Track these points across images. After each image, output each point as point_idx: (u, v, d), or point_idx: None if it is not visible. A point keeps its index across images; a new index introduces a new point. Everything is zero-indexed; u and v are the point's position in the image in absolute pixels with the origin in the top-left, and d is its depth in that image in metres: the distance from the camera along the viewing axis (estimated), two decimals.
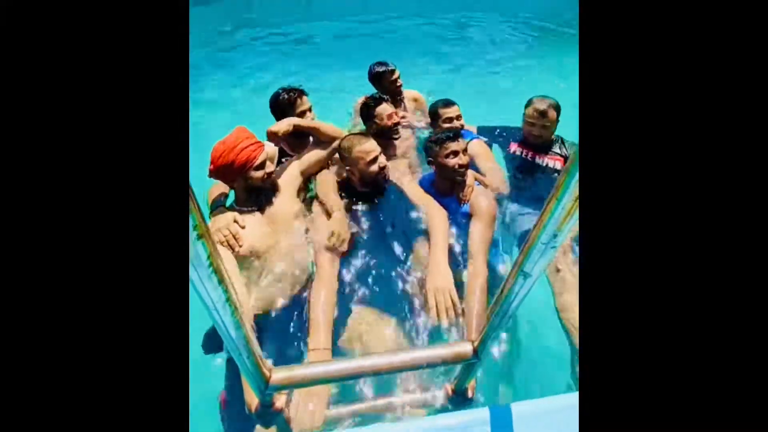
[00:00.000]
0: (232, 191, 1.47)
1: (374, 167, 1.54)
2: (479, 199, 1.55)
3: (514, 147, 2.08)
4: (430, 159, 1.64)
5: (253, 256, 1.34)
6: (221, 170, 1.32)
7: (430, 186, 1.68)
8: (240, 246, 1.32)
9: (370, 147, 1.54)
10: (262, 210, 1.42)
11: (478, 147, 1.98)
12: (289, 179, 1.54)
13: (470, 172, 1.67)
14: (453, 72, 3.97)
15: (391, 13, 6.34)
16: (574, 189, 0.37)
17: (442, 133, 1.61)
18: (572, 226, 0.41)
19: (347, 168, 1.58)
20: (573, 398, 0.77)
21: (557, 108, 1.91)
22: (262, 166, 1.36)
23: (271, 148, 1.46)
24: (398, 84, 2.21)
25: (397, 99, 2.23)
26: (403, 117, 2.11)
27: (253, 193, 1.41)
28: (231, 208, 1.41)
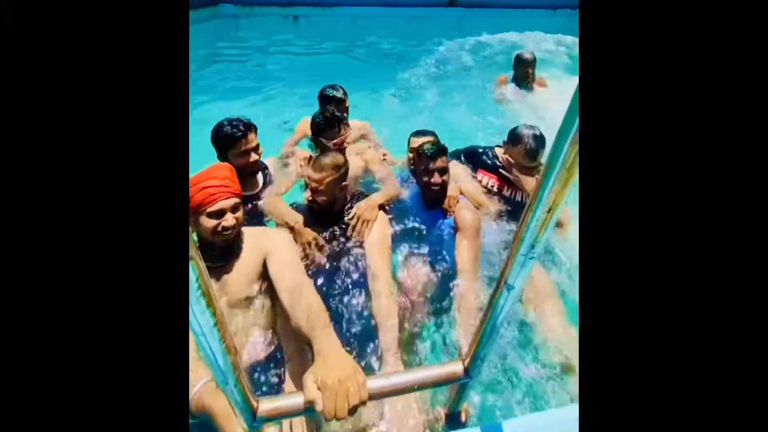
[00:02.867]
0: None
1: (306, 193, 1.49)
2: (463, 212, 1.54)
3: (482, 175, 1.91)
4: (411, 168, 1.66)
5: None
6: None
7: (417, 197, 1.70)
8: None
9: (308, 173, 1.47)
10: (216, 271, 1.20)
11: (457, 168, 1.93)
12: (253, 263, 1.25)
13: (456, 186, 1.68)
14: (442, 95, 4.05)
15: (382, 34, 6.59)
16: (546, 200, 0.40)
17: (426, 147, 1.59)
18: (547, 237, 0.43)
19: None
20: (572, 412, 0.76)
21: (543, 143, 1.70)
22: (217, 215, 1.16)
23: (234, 202, 1.19)
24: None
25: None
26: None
27: (208, 245, 1.20)
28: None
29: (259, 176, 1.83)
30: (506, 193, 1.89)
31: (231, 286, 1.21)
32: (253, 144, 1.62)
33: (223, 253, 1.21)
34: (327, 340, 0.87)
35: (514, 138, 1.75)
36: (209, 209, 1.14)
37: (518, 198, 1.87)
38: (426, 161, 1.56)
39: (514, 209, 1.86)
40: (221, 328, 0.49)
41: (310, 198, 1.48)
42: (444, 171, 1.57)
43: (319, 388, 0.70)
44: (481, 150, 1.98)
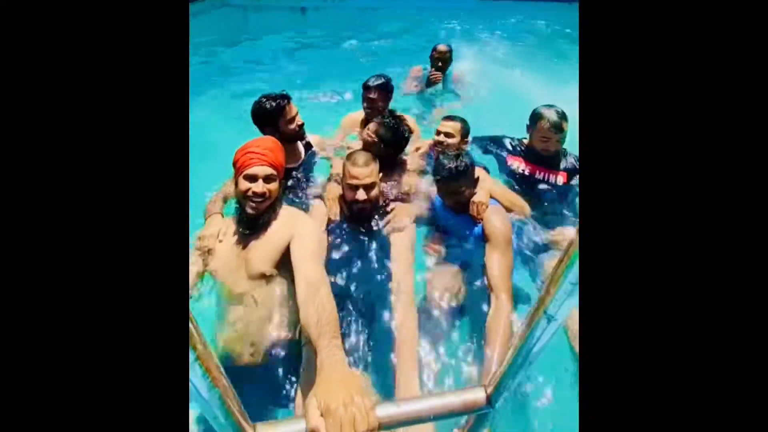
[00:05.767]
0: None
1: (350, 194, 1.44)
2: (493, 219, 1.40)
3: (512, 161, 1.92)
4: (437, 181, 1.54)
5: (216, 277, 1.24)
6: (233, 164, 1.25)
7: (442, 203, 1.58)
8: (206, 265, 1.24)
9: (356, 172, 1.42)
10: (244, 239, 1.24)
11: (478, 172, 1.81)
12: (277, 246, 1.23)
13: (484, 190, 1.52)
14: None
15: (390, 26, 6.47)
16: None
17: (443, 170, 1.44)
18: None
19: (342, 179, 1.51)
20: None
21: (566, 117, 1.75)
22: (250, 179, 1.20)
23: (269, 171, 1.21)
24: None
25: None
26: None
27: (242, 210, 1.25)
28: (236, 216, 1.30)
29: (300, 147, 1.89)
30: (539, 176, 1.85)
31: (252, 259, 1.22)
32: (295, 110, 1.75)
33: (250, 222, 1.24)
34: (333, 353, 0.81)
35: (535, 116, 1.79)
36: (245, 172, 1.20)
37: (552, 180, 1.84)
38: (444, 186, 1.46)
39: (551, 201, 1.79)
40: (204, 362, 0.42)
41: (363, 198, 1.42)
42: (460, 194, 1.46)
43: (322, 414, 0.63)
44: (508, 138, 2.00)
